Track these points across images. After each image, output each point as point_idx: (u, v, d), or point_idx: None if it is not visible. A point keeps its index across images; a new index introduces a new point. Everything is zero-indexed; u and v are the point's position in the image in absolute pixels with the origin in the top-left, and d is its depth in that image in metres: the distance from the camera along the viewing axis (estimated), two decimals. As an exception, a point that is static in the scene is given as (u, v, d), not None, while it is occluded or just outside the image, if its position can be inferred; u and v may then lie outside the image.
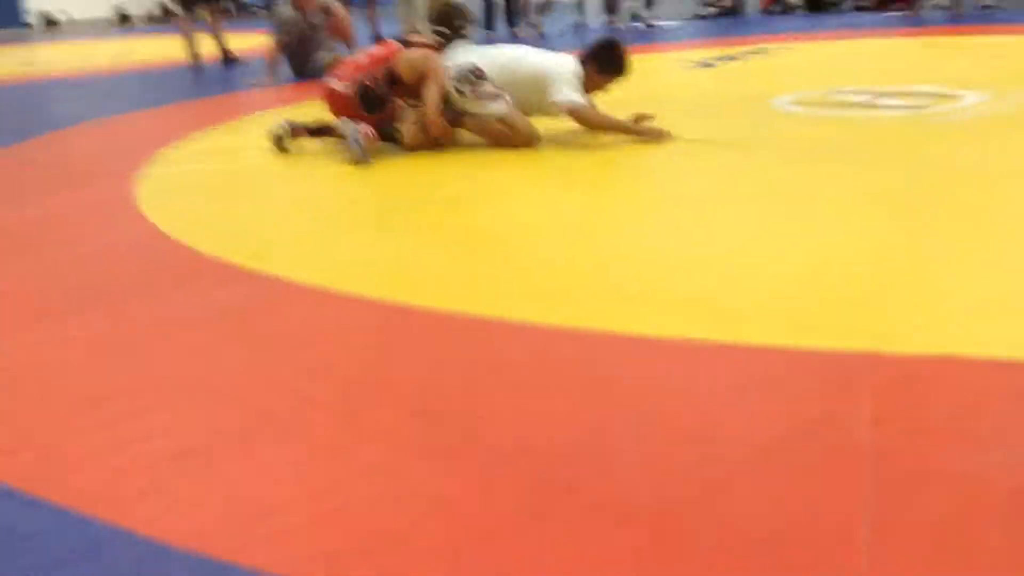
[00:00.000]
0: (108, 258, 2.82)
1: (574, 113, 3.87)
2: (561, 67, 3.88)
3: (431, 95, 3.89)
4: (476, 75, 3.88)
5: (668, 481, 1.41)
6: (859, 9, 10.14)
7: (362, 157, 3.83)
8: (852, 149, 3.63)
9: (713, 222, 2.81)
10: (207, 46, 8.58)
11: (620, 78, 3.98)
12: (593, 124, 3.92)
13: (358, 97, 4.04)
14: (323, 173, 3.87)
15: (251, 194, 3.59)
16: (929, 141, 3.70)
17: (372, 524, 1.34)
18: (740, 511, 1.31)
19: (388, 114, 4.05)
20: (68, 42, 14.27)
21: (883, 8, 9.79)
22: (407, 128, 4.02)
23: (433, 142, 4.00)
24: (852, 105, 4.49)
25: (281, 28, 6.81)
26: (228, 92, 6.79)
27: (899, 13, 9.12)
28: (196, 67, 8.30)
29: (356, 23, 7.43)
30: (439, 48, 4.06)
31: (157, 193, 3.55)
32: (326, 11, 7.04)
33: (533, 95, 3.89)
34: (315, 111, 5.20)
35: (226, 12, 9.05)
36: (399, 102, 4.06)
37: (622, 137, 3.90)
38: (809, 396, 1.66)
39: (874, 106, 4.42)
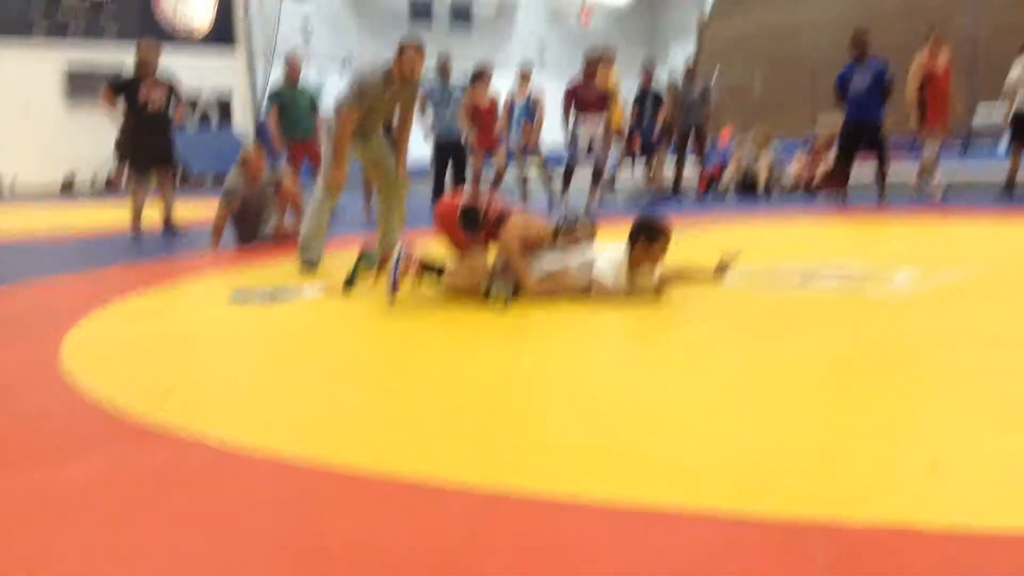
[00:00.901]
0: (24, 420, 2.67)
1: (595, 288, 4.30)
2: (609, 252, 4.38)
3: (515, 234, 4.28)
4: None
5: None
6: (789, 194, 10.62)
7: (391, 289, 4.15)
8: (795, 322, 3.68)
9: (664, 390, 2.78)
10: (153, 213, 8.61)
11: (665, 241, 4.31)
12: (601, 296, 4.26)
13: (463, 207, 4.44)
14: (270, 335, 3.79)
15: (184, 355, 3.48)
16: (867, 315, 3.77)
17: None
18: None
19: (476, 240, 4.44)
20: (10, 207, 14.24)
21: (812, 192, 10.27)
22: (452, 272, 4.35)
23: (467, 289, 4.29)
24: (791, 280, 4.59)
25: (228, 197, 6.87)
26: (170, 257, 6.75)
27: (828, 197, 9.54)
28: (139, 234, 8.29)
29: (305, 193, 7.53)
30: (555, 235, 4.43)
31: (85, 353, 3.43)
32: (275, 182, 7.15)
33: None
34: (258, 279, 5.20)
35: (178, 180, 9.18)
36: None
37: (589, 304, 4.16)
38: (766, 565, 1.59)
39: (812, 282, 4.53)
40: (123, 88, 8.42)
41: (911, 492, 1.87)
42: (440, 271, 4.34)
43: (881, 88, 8.74)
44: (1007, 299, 3.92)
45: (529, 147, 10.77)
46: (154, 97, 8.38)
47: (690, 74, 11.32)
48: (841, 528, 1.72)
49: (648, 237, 4.29)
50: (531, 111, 10.63)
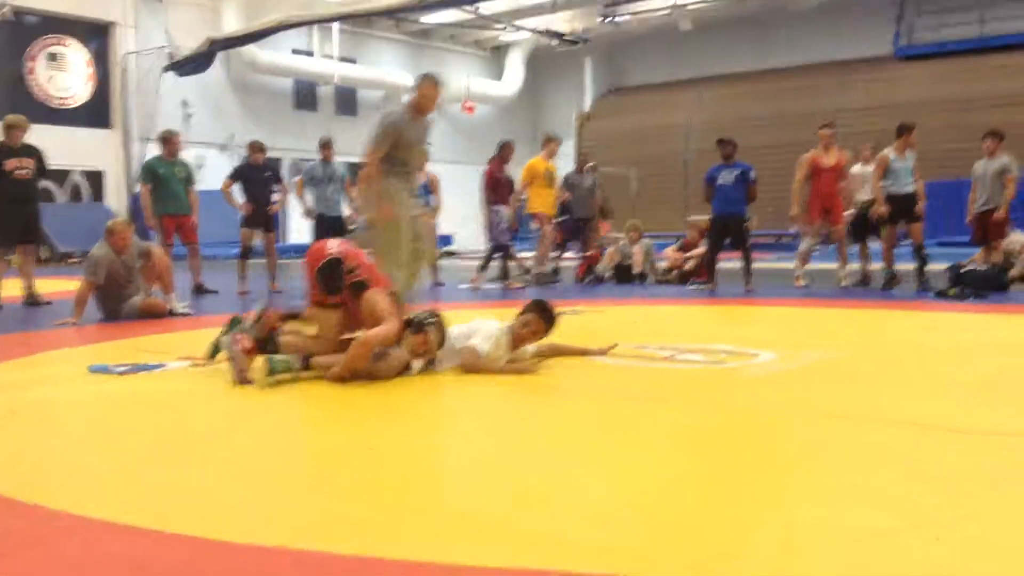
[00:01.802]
0: None
1: (463, 355, 4.22)
2: (483, 328, 4.33)
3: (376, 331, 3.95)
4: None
5: None
6: (662, 282, 10.95)
7: (240, 376, 3.92)
8: (660, 395, 3.77)
9: (534, 458, 2.81)
10: (11, 287, 8.23)
11: (551, 324, 4.43)
12: (470, 365, 4.19)
13: (326, 260, 4.16)
14: (126, 406, 3.64)
15: (32, 426, 3.30)
16: (728, 390, 3.91)
17: None
18: None
19: (330, 300, 4.14)
20: None
21: (683, 282, 10.62)
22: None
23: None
24: (657, 358, 4.72)
25: (93, 268, 6.62)
26: (29, 331, 6.43)
27: (698, 287, 9.89)
28: (-3, 306, 7.90)
29: (176, 273, 7.34)
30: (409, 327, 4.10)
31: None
32: (145, 254, 6.94)
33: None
34: (120, 352, 5.02)
35: (38, 258, 8.84)
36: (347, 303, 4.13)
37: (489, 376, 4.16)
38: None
39: (677, 360, 4.66)
40: None
41: (764, 558, 1.92)
42: (275, 350, 4.08)
43: (746, 186, 9.32)
44: (856, 379, 4.13)
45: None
46: (20, 166, 8.10)
47: (580, 167, 11.68)
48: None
49: (540, 317, 4.41)
50: (428, 193, 10.74)
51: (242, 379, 3.94)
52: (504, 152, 10.51)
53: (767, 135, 23.07)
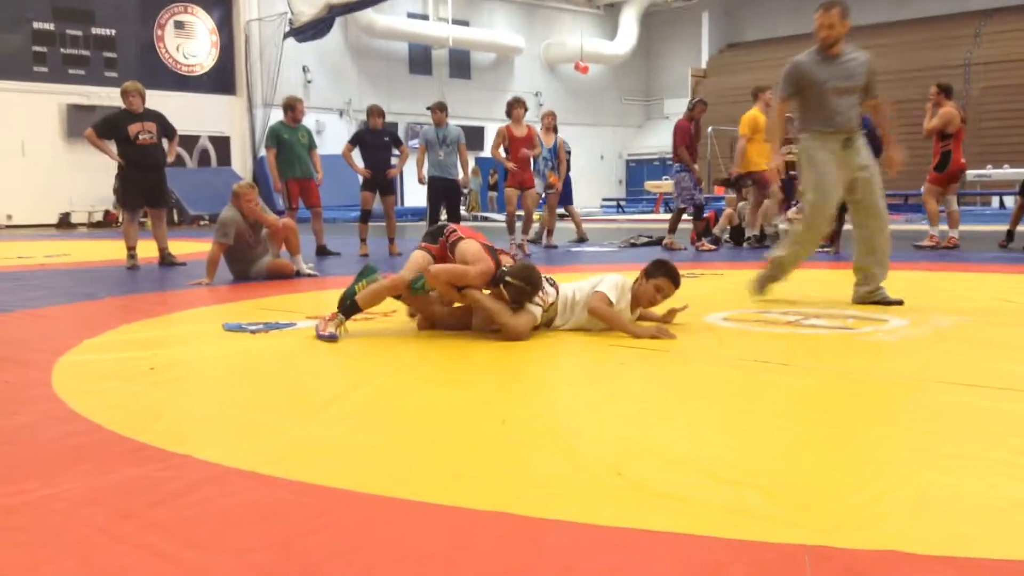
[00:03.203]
0: (17, 436, 2.67)
1: (594, 299, 4.23)
2: (609, 276, 4.37)
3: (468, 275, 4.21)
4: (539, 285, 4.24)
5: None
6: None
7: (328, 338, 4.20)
8: (785, 360, 3.69)
9: (656, 420, 2.80)
10: (148, 249, 8.64)
11: (674, 288, 4.39)
12: (602, 315, 4.23)
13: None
14: (261, 363, 3.80)
15: (175, 381, 3.47)
16: (855, 355, 3.80)
17: None
18: None
19: (437, 247, 4.46)
20: (6, 241, 14.25)
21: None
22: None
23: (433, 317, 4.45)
24: (781, 323, 4.62)
25: (223, 230, 6.89)
26: (164, 290, 6.75)
27: (821, 249, 9.61)
28: (134, 267, 8.31)
29: (300, 235, 7.55)
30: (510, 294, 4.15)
31: (75, 378, 3.43)
32: (267, 218, 7.16)
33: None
34: (251, 312, 5.20)
35: (170, 221, 9.24)
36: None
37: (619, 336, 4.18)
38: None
39: (802, 324, 4.55)
40: (110, 128, 8.46)
41: (894, 525, 1.87)
42: (355, 307, 4.36)
43: (870, 142, 8.95)
44: (989, 346, 3.95)
45: (555, 194, 10.84)
46: (143, 130, 8.42)
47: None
48: (831, 550, 1.72)
49: (671, 282, 4.36)
50: (555, 156, 10.69)
51: (324, 336, 4.21)
52: (696, 111, 10.23)
53: (895, 91, 22.09)
